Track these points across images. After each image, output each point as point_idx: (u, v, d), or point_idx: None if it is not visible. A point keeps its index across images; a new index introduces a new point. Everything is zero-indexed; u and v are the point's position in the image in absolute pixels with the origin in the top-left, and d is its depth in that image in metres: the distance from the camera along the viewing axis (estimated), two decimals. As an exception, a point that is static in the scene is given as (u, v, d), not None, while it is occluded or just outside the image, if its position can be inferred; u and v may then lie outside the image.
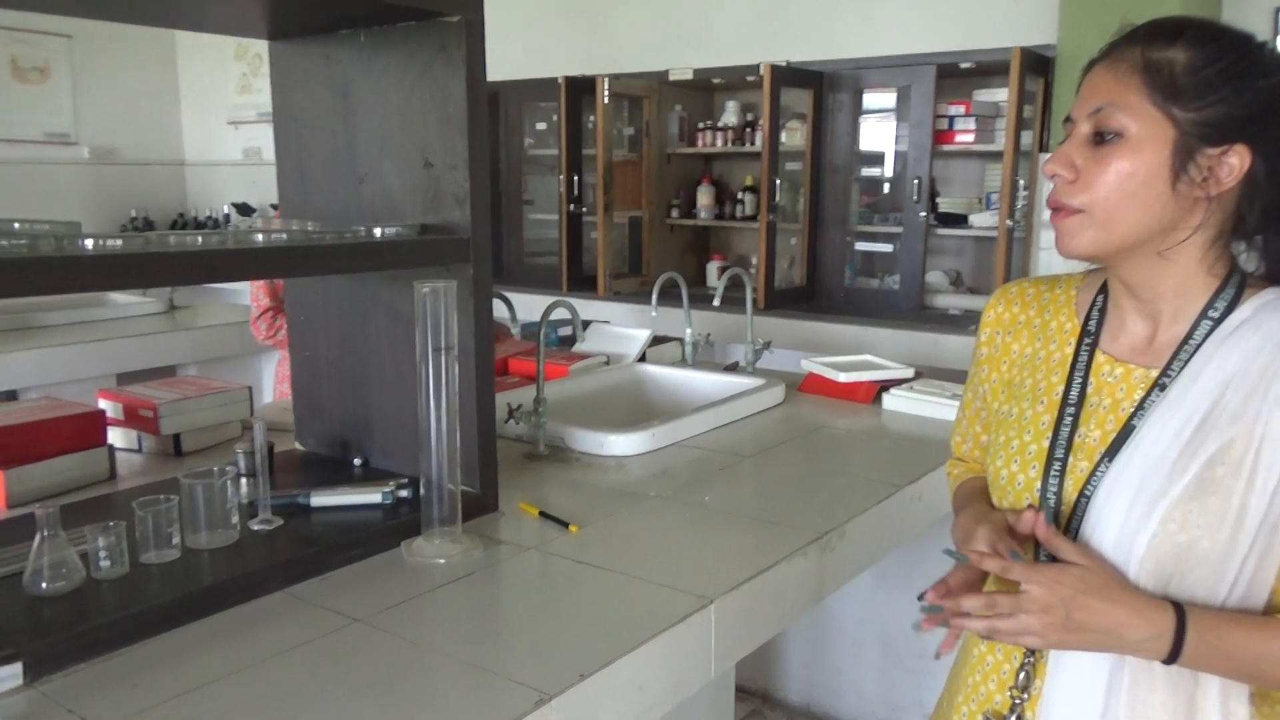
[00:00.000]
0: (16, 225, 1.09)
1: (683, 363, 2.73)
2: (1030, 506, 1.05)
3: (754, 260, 4.27)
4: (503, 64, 4.74)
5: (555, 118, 4.60)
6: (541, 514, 1.62)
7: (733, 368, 2.72)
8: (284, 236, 1.31)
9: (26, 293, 1.07)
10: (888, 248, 4.11)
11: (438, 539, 1.45)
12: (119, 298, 4.09)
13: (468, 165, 1.51)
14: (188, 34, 6.35)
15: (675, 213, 4.70)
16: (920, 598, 1.06)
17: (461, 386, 1.48)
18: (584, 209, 4.59)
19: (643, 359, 2.76)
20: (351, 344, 1.74)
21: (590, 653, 1.17)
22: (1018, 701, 1.06)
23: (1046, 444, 1.07)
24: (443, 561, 1.43)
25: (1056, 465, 1.05)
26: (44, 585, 1.20)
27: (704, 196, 4.61)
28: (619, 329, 2.93)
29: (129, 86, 6.37)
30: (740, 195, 4.54)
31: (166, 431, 1.94)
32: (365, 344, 1.71)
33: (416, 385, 1.42)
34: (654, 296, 2.62)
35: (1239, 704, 0.97)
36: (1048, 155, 1.05)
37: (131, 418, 1.96)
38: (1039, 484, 1.06)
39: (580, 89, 4.49)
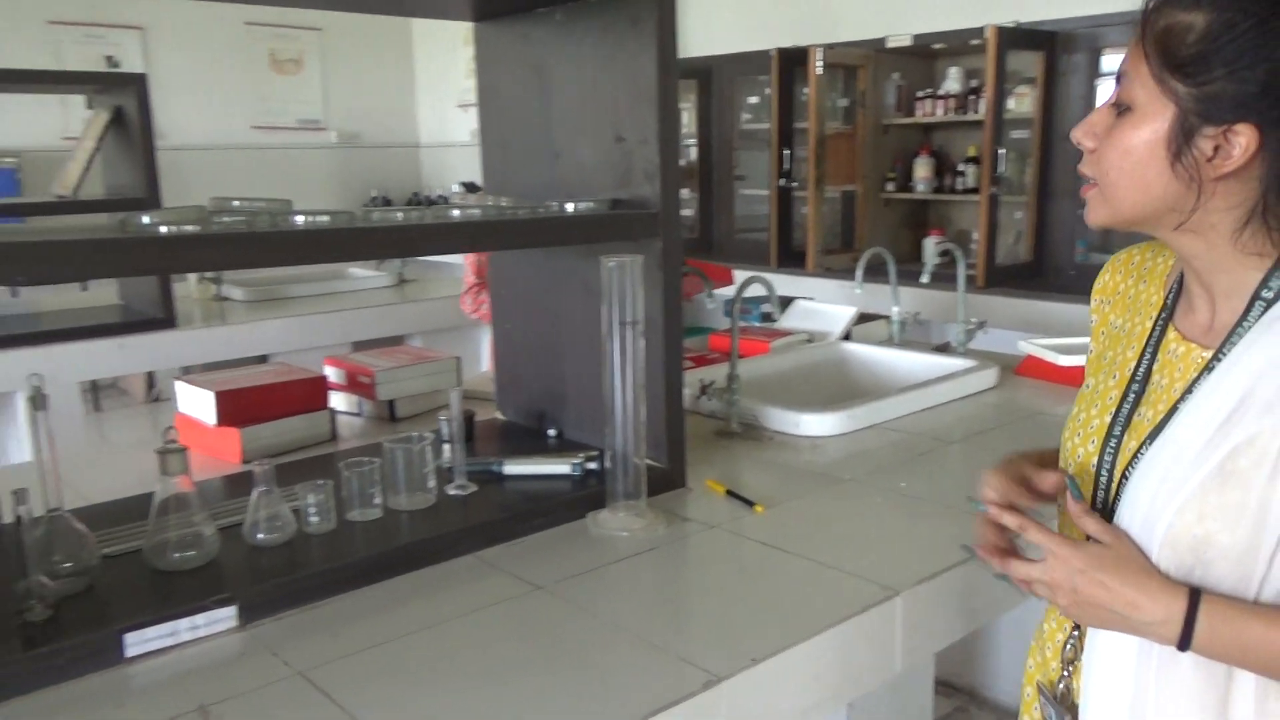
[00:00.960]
0: (236, 203, 1.18)
1: (889, 342, 2.62)
2: (1061, 471, 1.03)
3: (975, 235, 4.05)
4: (715, 39, 4.73)
5: (768, 91, 4.53)
6: (728, 492, 1.60)
7: (943, 348, 2.59)
8: (476, 213, 1.35)
9: (244, 265, 1.15)
10: (1127, 221, 3.78)
11: (622, 512, 1.46)
12: (357, 271, 4.39)
13: (658, 139, 1.50)
14: (423, 23, 6.74)
15: (891, 186, 4.53)
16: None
17: (649, 361, 1.48)
18: (795, 184, 4.50)
19: (847, 337, 2.68)
20: (548, 318, 1.78)
21: (765, 637, 1.15)
22: (1065, 673, 1.05)
23: (1109, 419, 1.01)
24: (625, 535, 1.44)
25: (1112, 443, 0.99)
26: (260, 536, 1.31)
27: (922, 169, 4.41)
28: (823, 306, 2.86)
29: (371, 75, 6.84)
30: (961, 167, 4.31)
31: (382, 397, 2.06)
32: (560, 318, 1.75)
33: (602, 359, 1.43)
34: (859, 272, 2.52)
35: (1278, 703, 0.88)
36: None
37: (353, 384, 2.10)
38: (1095, 461, 1.00)
39: (793, 61, 4.39)
